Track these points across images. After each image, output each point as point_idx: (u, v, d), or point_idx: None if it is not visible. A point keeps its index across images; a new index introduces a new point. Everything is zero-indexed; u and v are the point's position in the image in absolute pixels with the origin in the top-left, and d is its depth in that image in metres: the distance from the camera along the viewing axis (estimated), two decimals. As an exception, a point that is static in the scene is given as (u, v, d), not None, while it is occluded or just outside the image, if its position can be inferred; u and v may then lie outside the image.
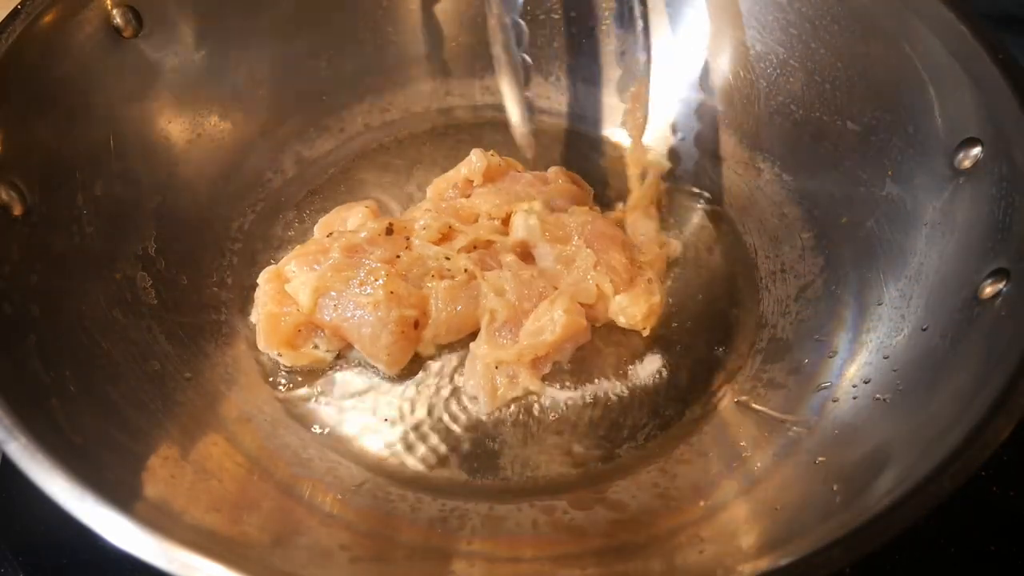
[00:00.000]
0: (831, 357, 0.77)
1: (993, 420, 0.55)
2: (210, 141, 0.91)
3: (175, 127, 0.88)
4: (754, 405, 0.77)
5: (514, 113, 0.88)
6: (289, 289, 0.80)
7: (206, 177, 0.89)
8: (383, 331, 0.77)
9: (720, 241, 0.91)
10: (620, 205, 0.94)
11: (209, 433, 0.73)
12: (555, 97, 1.03)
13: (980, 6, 0.73)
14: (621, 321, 0.83)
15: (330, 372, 0.81)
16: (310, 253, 0.82)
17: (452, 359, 0.82)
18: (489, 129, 1.01)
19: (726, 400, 0.79)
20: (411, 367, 0.81)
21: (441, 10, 1.01)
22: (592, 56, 1.01)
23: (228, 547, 0.58)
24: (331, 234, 0.85)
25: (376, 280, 0.78)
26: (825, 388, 0.75)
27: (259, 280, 0.83)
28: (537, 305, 0.81)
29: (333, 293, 0.78)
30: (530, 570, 0.65)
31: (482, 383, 0.78)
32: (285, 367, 0.80)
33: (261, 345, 0.80)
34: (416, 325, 0.79)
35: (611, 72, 1.00)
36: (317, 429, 0.77)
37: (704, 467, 0.73)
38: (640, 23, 0.89)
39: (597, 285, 0.82)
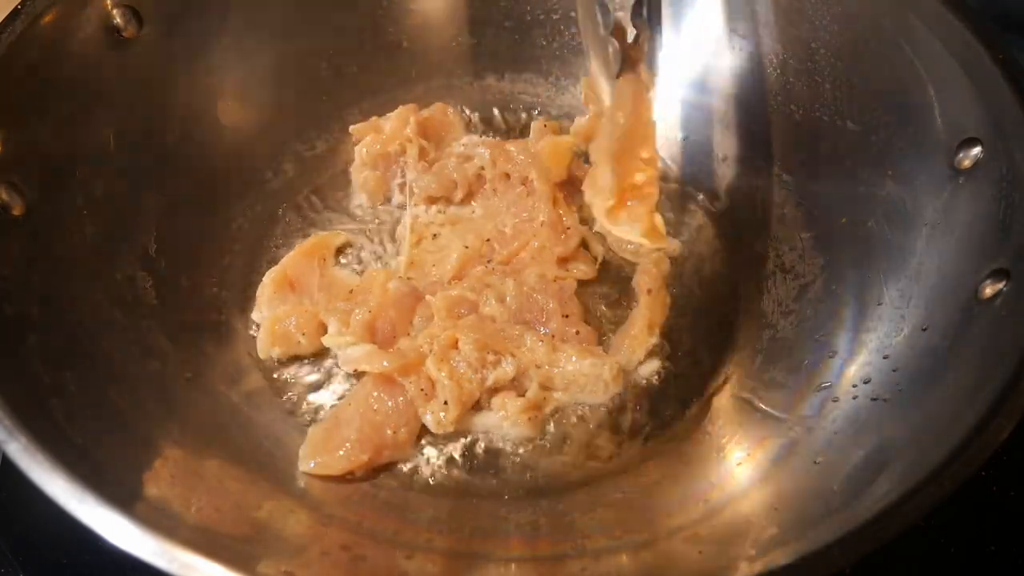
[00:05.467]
0: (831, 357, 0.77)
1: (993, 420, 0.55)
2: (210, 141, 0.91)
3: (175, 127, 0.88)
4: (754, 404, 0.77)
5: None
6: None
7: (206, 177, 0.89)
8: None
9: (720, 241, 0.91)
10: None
11: (209, 433, 0.73)
12: (554, 96, 1.03)
13: (986, 10, 0.73)
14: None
15: (330, 371, 0.81)
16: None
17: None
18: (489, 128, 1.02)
19: (726, 400, 0.79)
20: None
21: (441, 10, 1.01)
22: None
23: (228, 547, 0.58)
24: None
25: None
26: (825, 388, 0.75)
27: (264, 279, 0.83)
28: (538, 316, 0.81)
29: None
30: (530, 570, 0.65)
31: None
32: (282, 362, 0.81)
33: (263, 353, 0.80)
34: None
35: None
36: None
37: (705, 467, 0.73)
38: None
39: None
